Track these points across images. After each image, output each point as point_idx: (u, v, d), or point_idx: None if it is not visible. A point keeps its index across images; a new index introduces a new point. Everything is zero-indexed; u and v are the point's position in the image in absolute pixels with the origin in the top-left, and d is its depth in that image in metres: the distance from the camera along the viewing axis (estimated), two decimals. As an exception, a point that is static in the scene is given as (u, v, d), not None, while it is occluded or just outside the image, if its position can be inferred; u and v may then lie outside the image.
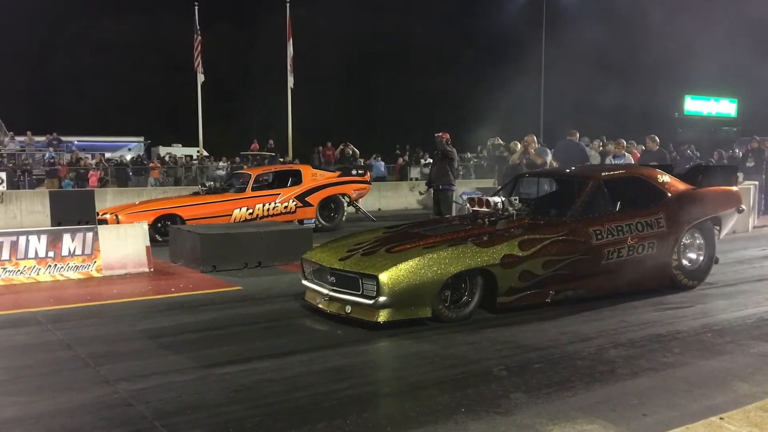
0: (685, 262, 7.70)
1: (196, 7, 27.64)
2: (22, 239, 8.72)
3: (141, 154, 34.34)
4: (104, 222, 11.61)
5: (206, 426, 4.01)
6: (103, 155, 28.60)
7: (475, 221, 7.29)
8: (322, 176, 14.61)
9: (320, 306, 6.59)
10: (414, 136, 30.87)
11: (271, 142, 26.97)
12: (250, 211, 13.17)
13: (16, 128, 30.01)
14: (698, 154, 21.55)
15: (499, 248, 6.37)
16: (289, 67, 28.12)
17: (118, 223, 11.46)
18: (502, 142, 15.37)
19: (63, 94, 45.21)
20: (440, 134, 11.95)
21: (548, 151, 12.64)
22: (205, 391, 4.59)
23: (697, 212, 7.71)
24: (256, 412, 4.23)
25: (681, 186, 7.91)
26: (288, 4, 27.85)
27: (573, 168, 9.31)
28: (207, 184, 14.67)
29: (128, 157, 32.01)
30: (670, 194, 7.66)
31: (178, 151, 34.81)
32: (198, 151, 30.04)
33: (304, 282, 7.03)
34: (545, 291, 6.68)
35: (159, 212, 12.39)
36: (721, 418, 3.14)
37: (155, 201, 13.67)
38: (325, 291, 6.50)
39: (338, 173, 15.15)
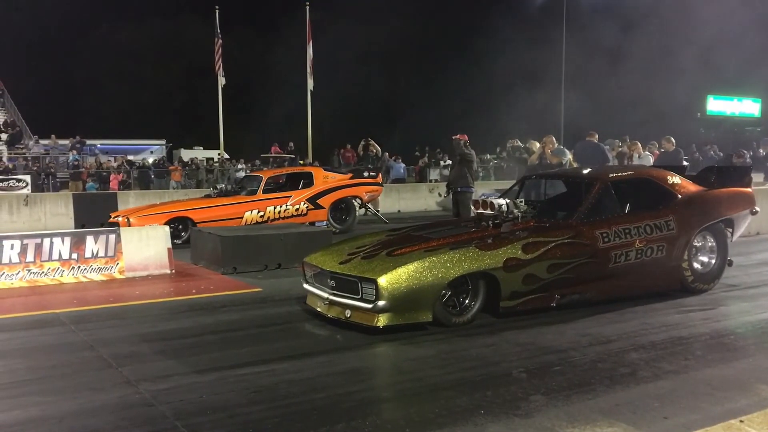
0: (696, 265, 7.51)
1: (217, 11, 27.87)
2: (47, 241, 8.84)
3: (163, 156, 34.65)
4: (116, 225, 11.70)
5: (226, 426, 4.05)
6: (126, 158, 28.90)
7: (479, 224, 7.19)
8: (334, 178, 14.54)
9: (320, 310, 6.54)
10: (434, 137, 30.84)
11: (291, 144, 27.10)
12: (261, 213, 13.16)
13: (41, 131, 30.46)
14: (721, 155, 21.30)
15: (502, 251, 6.25)
16: (308, 70, 28.26)
17: (129, 225, 11.51)
18: (521, 144, 15.30)
19: (86, 98, 45.73)
20: (458, 136, 11.92)
21: (566, 151, 12.55)
22: (225, 392, 4.62)
23: (708, 214, 7.57)
24: (275, 412, 4.26)
25: (692, 187, 7.77)
26: (307, 7, 27.98)
27: (580, 169, 9.20)
28: (218, 187, 14.72)
29: (150, 160, 32.33)
30: (680, 196, 7.51)
31: (200, 153, 35.09)
32: (219, 154, 30.27)
33: (305, 286, 6.95)
34: (550, 295, 6.56)
35: (170, 215, 12.42)
36: (741, 421, 3.11)
37: (167, 204, 13.73)
38: (325, 295, 6.42)
39: (350, 175, 15.09)
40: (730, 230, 7.91)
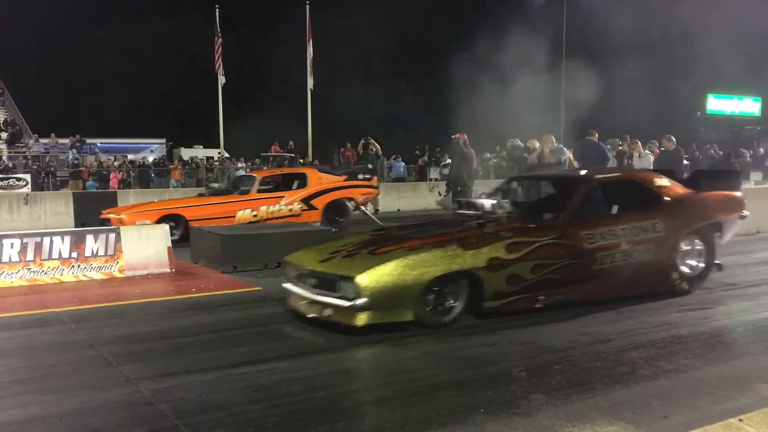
0: (683, 267, 7.39)
1: (217, 10, 27.87)
2: (47, 240, 8.85)
3: (163, 155, 34.67)
4: (107, 222, 11.65)
5: (227, 425, 4.05)
6: (126, 157, 28.90)
7: (463, 223, 7.09)
8: (328, 180, 14.43)
9: (300, 309, 6.44)
10: (434, 136, 30.84)
11: (291, 143, 27.10)
12: (254, 213, 13.13)
13: (41, 130, 30.46)
14: (721, 154, 21.32)
15: (485, 251, 6.18)
16: (308, 69, 28.27)
17: (121, 223, 11.47)
18: (521, 143, 15.32)
19: (86, 97, 45.76)
20: (457, 136, 11.96)
21: (565, 150, 12.57)
22: (225, 391, 4.63)
23: (696, 217, 7.52)
24: (275, 411, 4.26)
25: (680, 190, 7.69)
26: (308, 6, 27.98)
27: (568, 170, 9.18)
28: (212, 186, 14.69)
29: (150, 159, 32.34)
30: (667, 198, 7.44)
31: (200, 152, 35.13)
32: (219, 153, 30.29)
33: (286, 285, 6.81)
34: (535, 296, 6.47)
35: (162, 212, 12.40)
36: (740, 420, 3.12)
37: (159, 202, 13.73)
38: (306, 294, 6.33)
39: (345, 177, 14.96)
40: (719, 234, 7.82)
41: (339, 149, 25.66)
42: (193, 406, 4.36)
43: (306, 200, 13.75)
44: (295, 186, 13.99)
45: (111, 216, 12.24)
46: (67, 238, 8.97)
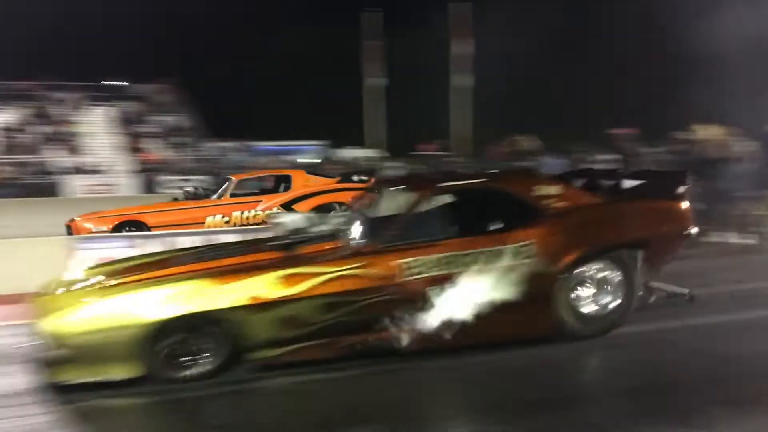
0: (579, 304, 5.57)
1: (377, 13, 28.51)
2: (218, 238, 9.42)
3: (324, 156, 35.97)
4: (70, 229, 11.62)
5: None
6: (287, 158, 30.25)
7: (258, 245, 5.88)
8: (316, 182, 13.49)
9: None
10: (596, 130, 29.79)
11: (442, 141, 27.21)
12: (226, 219, 12.48)
13: (213, 134, 32.80)
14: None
15: (245, 285, 4.80)
16: (465, 66, 28.30)
17: (78, 230, 11.37)
18: (684, 135, 14.34)
19: (252, 101, 48.41)
20: (619, 131, 11.41)
21: (738, 142, 11.54)
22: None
23: (598, 236, 5.61)
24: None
25: (583, 199, 5.79)
26: (467, 4, 27.99)
27: (411, 176, 7.63)
28: (186, 190, 14.36)
29: (312, 160, 33.64)
30: (551, 211, 5.53)
31: (360, 152, 36.13)
32: (377, 152, 31.04)
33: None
34: (334, 342, 4.99)
35: (120, 218, 12.00)
36: None
37: (122, 208, 13.32)
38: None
39: (337, 179, 13.93)
40: (643, 256, 5.71)
41: (493, 145, 25.45)
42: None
43: (286, 205, 12.79)
44: (281, 189, 13.26)
45: (73, 223, 12.01)
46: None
